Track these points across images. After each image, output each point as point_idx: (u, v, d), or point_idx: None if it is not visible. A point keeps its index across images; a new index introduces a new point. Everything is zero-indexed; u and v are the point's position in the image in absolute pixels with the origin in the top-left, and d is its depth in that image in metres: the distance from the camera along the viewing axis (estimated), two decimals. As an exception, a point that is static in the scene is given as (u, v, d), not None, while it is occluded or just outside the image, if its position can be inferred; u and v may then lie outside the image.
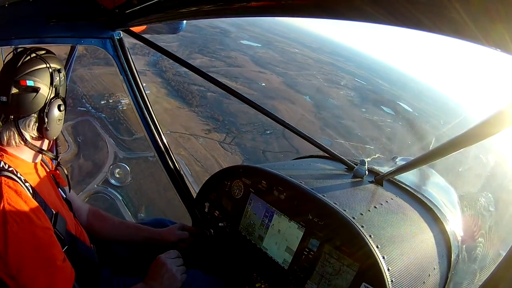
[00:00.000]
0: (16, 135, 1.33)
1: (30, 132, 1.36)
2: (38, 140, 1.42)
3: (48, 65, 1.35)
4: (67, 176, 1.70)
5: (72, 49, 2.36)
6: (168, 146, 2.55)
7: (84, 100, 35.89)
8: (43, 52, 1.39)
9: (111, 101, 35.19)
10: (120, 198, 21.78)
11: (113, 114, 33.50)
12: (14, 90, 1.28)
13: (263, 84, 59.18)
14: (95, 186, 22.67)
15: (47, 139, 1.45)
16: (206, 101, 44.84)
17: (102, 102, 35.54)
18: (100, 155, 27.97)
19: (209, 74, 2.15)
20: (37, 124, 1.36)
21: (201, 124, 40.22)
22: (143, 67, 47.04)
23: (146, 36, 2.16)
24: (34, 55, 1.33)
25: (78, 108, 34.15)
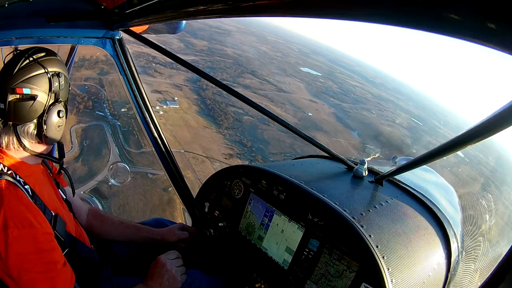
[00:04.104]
0: (15, 140, 1.32)
1: (29, 138, 1.35)
2: (38, 144, 1.40)
3: (46, 70, 1.31)
4: (70, 180, 1.70)
5: (72, 49, 2.36)
6: (167, 145, 2.55)
7: (105, 105, 35.50)
8: (43, 54, 1.34)
9: (132, 111, 34.92)
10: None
11: (128, 124, 32.80)
12: (11, 98, 1.25)
13: (310, 114, 56.84)
14: (81, 192, 22.35)
15: (47, 144, 1.43)
16: (239, 124, 42.50)
17: (122, 110, 35.08)
18: (98, 162, 27.45)
19: (211, 75, 2.15)
20: (35, 131, 1.35)
21: (224, 147, 37.88)
22: (181, 82, 45.78)
23: (146, 36, 2.16)
24: (31, 59, 1.29)
25: (96, 112, 33.91)
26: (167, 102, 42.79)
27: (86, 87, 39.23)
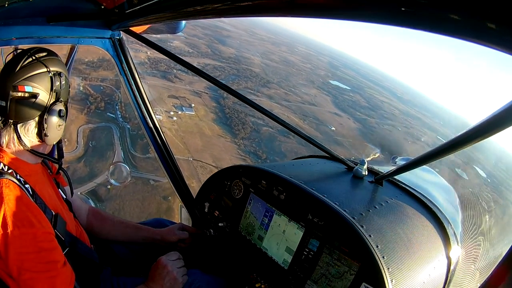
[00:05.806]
0: (16, 139, 1.32)
1: (29, 137, 1.35)
2: (39, 143, 1.40)
3: (48, 69, 1.31)
4: (69, 180, 1.70)
5: (72, 49, 2.36)
6: (168, 146, 2.55)
7: (117, 107, 34.93)
8: (44, 54, 1.34)
9: (145, 114, 34.63)
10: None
11: (138, 128, 31.17)
12: (13, 95, 1.25)
13: (333, 128, 54.83)
14: (78, 193, 21.80)
15: (47, 144, 1.43)
16: (256, 135, 40.50)
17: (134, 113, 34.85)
18: (101, 165, 26.86)
19: (213, 76, 2.15)
20: (36, 130, 1.34)
21: (236, 158, 35.83)
22: (201, 89, 44.73)
23: (146, 36, 2.16)
24: (34, 58, 1.29)
25: (108, 113, 33.34)
26: (183, 108, 41.43)
27: (101, 88, 38.59)
